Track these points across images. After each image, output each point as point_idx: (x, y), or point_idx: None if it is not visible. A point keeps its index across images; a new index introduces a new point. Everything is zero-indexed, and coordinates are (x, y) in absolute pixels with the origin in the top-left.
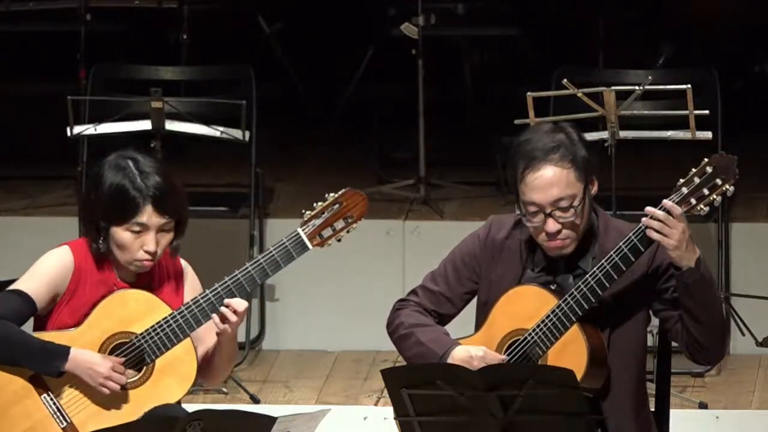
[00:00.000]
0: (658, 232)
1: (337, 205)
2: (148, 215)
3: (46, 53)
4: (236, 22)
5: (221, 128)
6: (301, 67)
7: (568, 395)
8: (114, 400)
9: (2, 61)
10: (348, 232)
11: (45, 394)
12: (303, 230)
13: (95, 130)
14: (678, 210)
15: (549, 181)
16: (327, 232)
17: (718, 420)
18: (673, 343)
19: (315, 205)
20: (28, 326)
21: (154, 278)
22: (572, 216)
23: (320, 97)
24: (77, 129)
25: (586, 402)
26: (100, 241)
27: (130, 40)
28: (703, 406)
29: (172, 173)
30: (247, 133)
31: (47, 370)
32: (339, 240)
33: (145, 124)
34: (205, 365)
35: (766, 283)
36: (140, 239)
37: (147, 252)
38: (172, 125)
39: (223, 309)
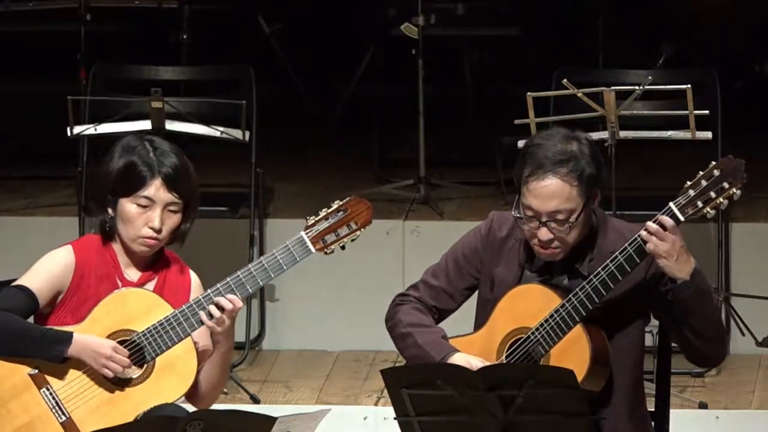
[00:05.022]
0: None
1: (341, 212)
2: (156, 188)
3: (46, 53)
4: (236, 22)
5: (221, 128)
6: (301, 67)
7: (568, 395)
8: (114, 396)
9: (2, 61)
10: (352, 240)
11: (44, 388)
12: (306, 234)
13: (95, 130)
14: (670, 223)
15: (551, 192)
16: (330, 238)
17: (718, 420)
18: (674, 343)
19: (320, 211)
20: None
21: (159, 278)
22: (567, 230)
23: (320, 97)
24: (77, 129)
25: (586, 402)
26: (108, 216)
27: (130, 40)
28: (703, 406)
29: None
30: (247, 133)
31: (51, 355)
32: (343, 247)
33: (145, 124)
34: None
35: (766, 283)
36: (146, 214)
37: (151, 228)
38: (172, 125)
39: (210, 307)
